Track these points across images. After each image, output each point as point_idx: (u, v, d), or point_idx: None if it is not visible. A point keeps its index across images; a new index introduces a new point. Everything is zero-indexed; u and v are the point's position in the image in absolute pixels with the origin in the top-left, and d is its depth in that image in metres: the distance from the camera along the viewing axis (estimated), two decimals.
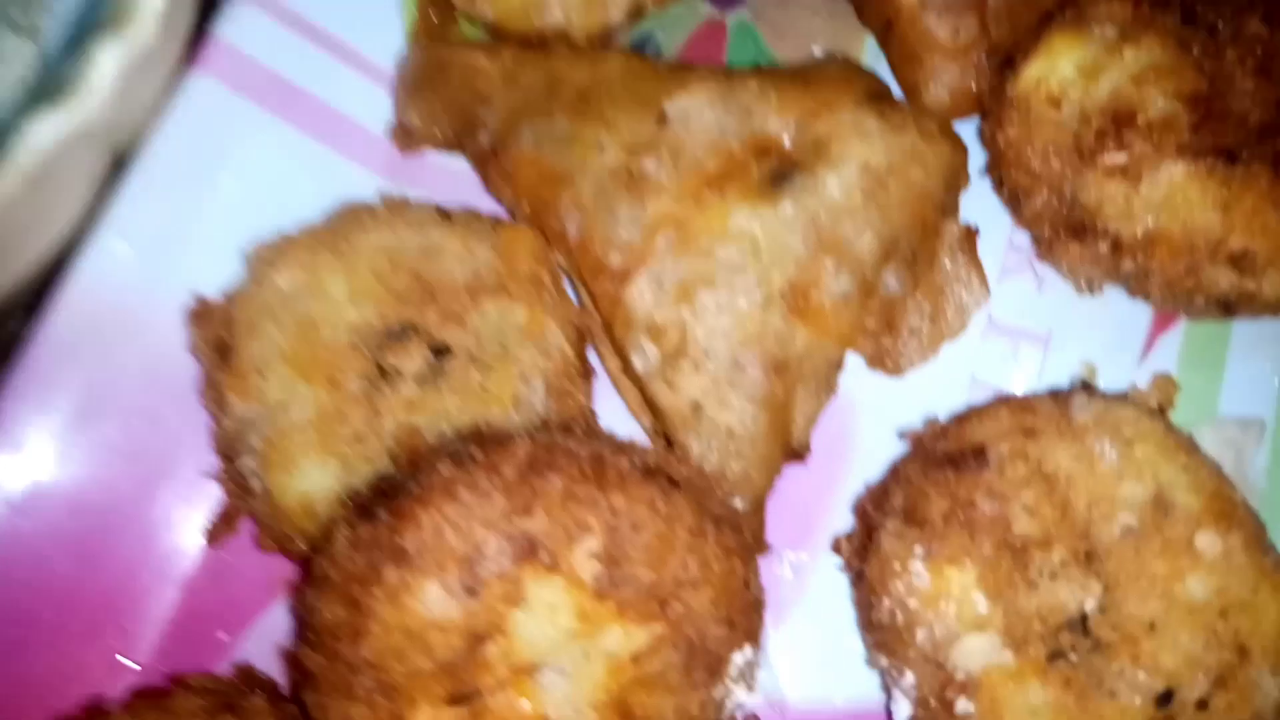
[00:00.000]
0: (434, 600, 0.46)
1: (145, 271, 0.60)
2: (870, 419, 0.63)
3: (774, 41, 0.71)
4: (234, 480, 0.57)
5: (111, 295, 0.60)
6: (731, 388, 0.56)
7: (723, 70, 0.61)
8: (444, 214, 0.60)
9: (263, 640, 0.60)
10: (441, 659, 0.46)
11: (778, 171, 0.57)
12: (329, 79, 0.65)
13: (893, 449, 0.61)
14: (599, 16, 0.62)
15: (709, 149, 0.58)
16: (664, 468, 0.50)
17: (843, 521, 0.61)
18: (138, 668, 0.58)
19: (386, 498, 0.48)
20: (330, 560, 0.47)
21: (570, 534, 0.47)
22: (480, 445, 0.49)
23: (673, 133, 0.58)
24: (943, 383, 0.63)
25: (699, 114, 0.59)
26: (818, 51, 0.71)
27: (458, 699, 0.47)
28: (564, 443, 0.50)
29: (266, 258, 0.58)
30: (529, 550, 0.46)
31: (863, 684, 0.59)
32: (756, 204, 0.57)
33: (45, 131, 0.47)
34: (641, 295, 0.57)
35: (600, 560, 0.47)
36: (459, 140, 0.62)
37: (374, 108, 0.67)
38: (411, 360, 0.56)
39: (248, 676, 0.55)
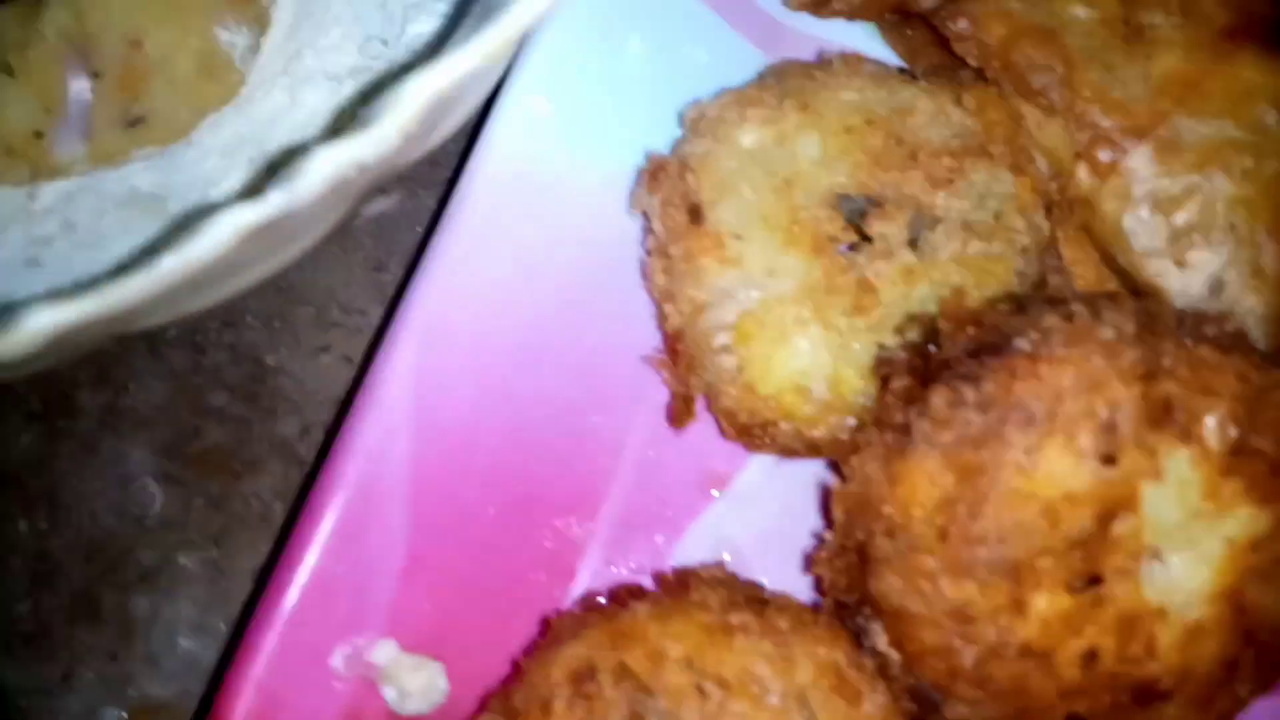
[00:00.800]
0: (1067, 467, 0.40)
1: (565, 130, 0.54)
2: None
3: None
4: (689, 359, 0.51)
5: (533, 156, 0.53)
6: (1255, 266, 0.51)
7: None
8: (904, 72, 0.54)
9: (700, 542, 0.53)
10: (1070, 536, 0.40)
11: None
12: None
13: None
14: None
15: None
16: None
17: None
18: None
19: (980, 356, 0.42)
20: (931, 423, 0.41)
21: (1201, 400, 0.41)
22: (1077, 299, 0.43)
23: None
24: None
25: None
26: None
27: (1082, 583, 0.40)
28: (1148, 301, 0.44)
29: (719, 115, 0.52)
30: (1164, 414, 0.41)
31: None
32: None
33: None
34: (1146, 162, 0.51)
35: (1229, 431, 0.41)
36: None
37: None
38: (897, 227, 0.50)
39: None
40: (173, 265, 0.38)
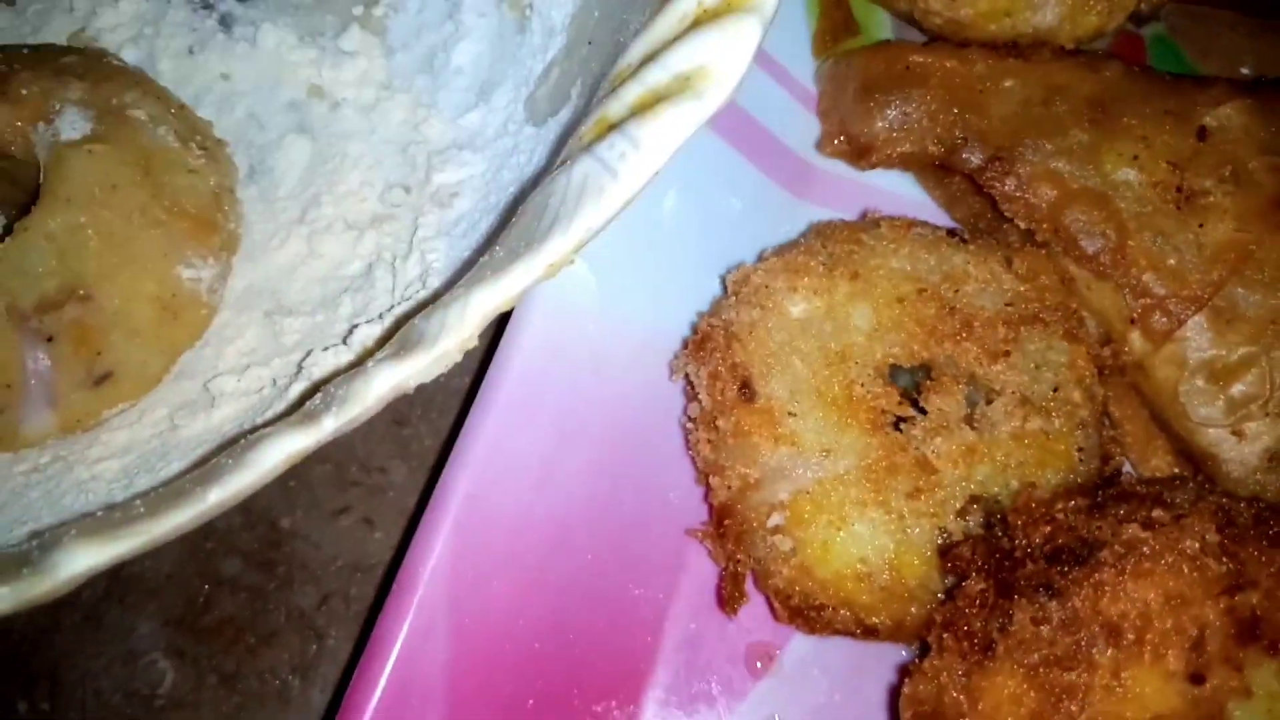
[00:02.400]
0: (1155, 688, 0.38)
1: (602, 292, 0.52)
2: None
3: (1198, 58, 0.66)
4: (737, 534, 0.49)
5: (569, 321, 0.51)
6: None
7: (1237, 83, 0.55)
8: (954, 235, 0.53)
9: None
10: None
11: None
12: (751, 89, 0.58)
13: None
14: (1098, 20, 0.56)
15: (1265, 167, 0.51)
16: None
17: None
18: None
19: (1060, 564, 0.40)
20: (1014, 640, 0.39)
21: None
22: (1155, 504, 0.41)
23: (1218, 147, 0.52)
24: None
25: (1240, 127, 0.53)
26: (1246, 72, 0.65)
27: None
28: (1221, 500, 0.43)
29: (765, 283, 0.50)
30: (1251, 628, 0.39)
31: None
32: None
33: None
34: (1201, 331, 0.50)
35: None
36: (946, 153, 0.55)
37: (790, 121, 0.60)
38: (954, 401, 0.49)
39: None
40: (220, 498, 0.35)
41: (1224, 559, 0.40)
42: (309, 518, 0.56)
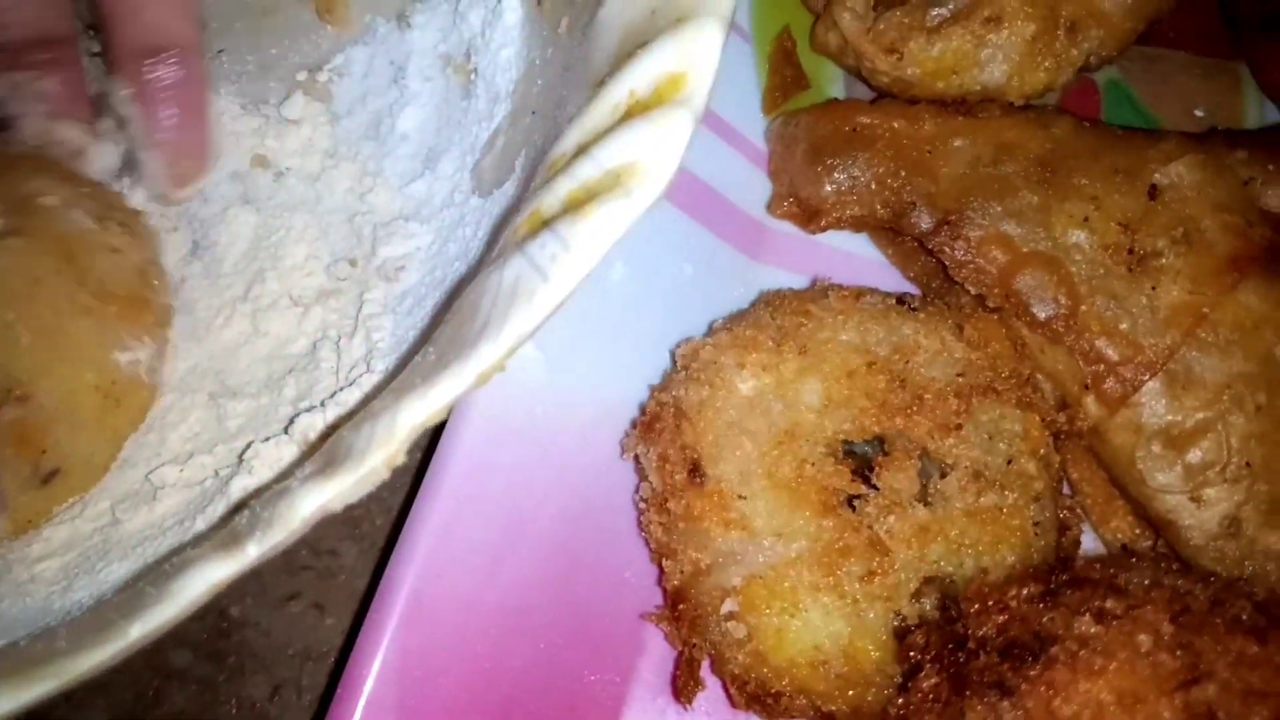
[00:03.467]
0: None
1: (550, 368, 0.51)
2: None
3: (1151, 102, 0.65)
4: (692, 619, 0.48)
5: (517, 401, 0.50)
6: (1273, 504, 0.49)
7: (1190, 136, 0.55)
8: (902, 302, 0.52)
9: None
10: None
11: None
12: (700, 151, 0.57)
13: None
14: (1046, 76, 0.55)
15: (1218, 225, 0.51)
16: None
17: None
18: None
19: (1012, 659, 0.39)
20: None
21: (1242, 703, 0.39)
22: (1110, 590, 0.40)
23: (1170, 206, 0.51)
24: None
25: (1192, 185, 0.52)
26: (1200, 114, 0.65)
27: None
28: (1176, 584, 0.42)
29: (714, 359, 0.49)
30: None
31: None
32: None
33: None
34: (1157, 396, 0.50)
35: None
36: (894, 217, 0.54)
37: (740, 181, 0.59)
38: (906, 477, 0.48)
39: None
40: (142, 632, 0.34)
41: (1178, 651, 0.39)
42: (258, 605, 0.55)
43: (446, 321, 0.42)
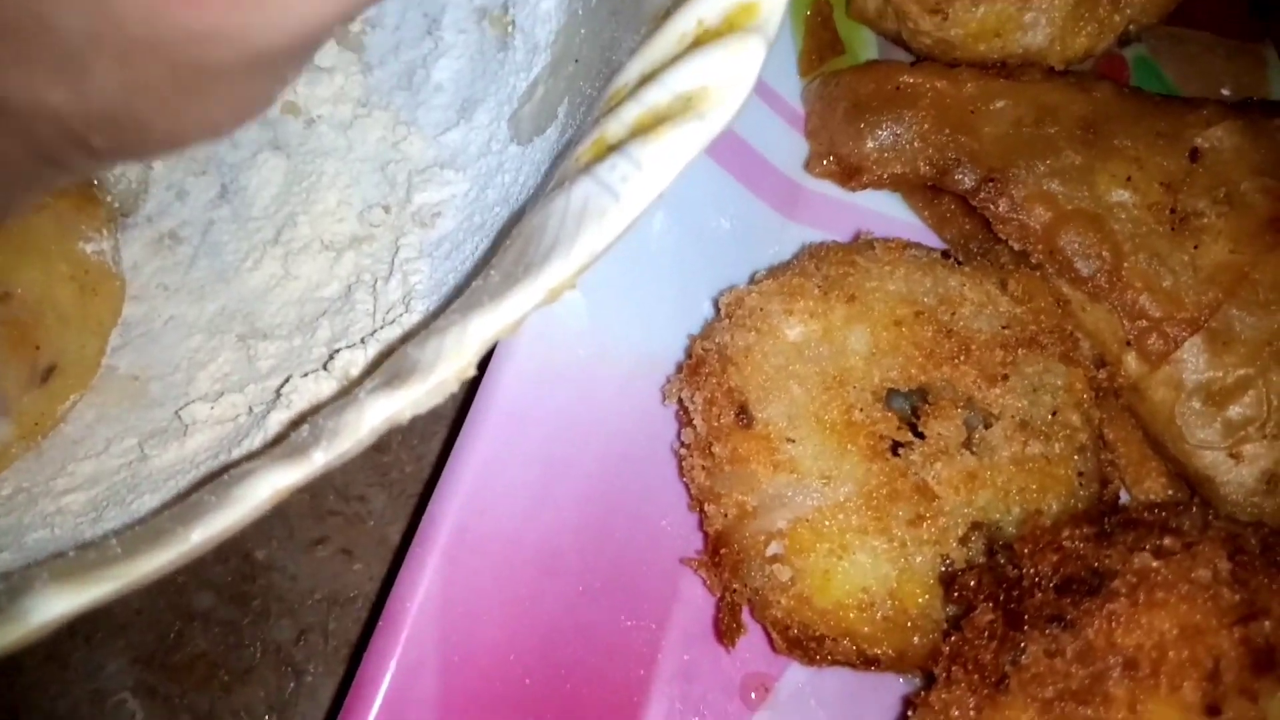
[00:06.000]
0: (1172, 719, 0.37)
1: (591, 314, 0.51)
2: None
3: (1179, 80, 0.66)
4: (734, 563, 0.47)
5: (559, 345, 0.49)
6: None
7: (1225, 103, 0.55)
8: (946, 256, 0.52)
9: None
10: None
11: None
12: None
13: None
14: (1087, 41, 0.55)
15: (1258, 188, 0.51)
16: None
17: None
18: None
19: (1070, 594, 0.39)
20: (1028, 674, 0.38)
21: None
22: (1165, 531, 0.40)
23: (1211, 169, 0.52)
24: None
25: (1231, 149, 0.52)
26: (1227, 93, 0.66)
27: None
28: (1233, 527, 0.42)
29: (760, 305, 0.49)
30: (1266, 657, 0.38)
31: None
32: None
33: None
34: (1198, 353, 0.50)
35: None
36: (938, 174, 0.54)
37: (777, 141, 0.59)
38: (953, 425, 0.48)
39: None
40: (204, 537, 0.33)
41: (1237, 587, 0.39)
42: (285, 549, 0.54)
43: (507, 248, 0.41)
